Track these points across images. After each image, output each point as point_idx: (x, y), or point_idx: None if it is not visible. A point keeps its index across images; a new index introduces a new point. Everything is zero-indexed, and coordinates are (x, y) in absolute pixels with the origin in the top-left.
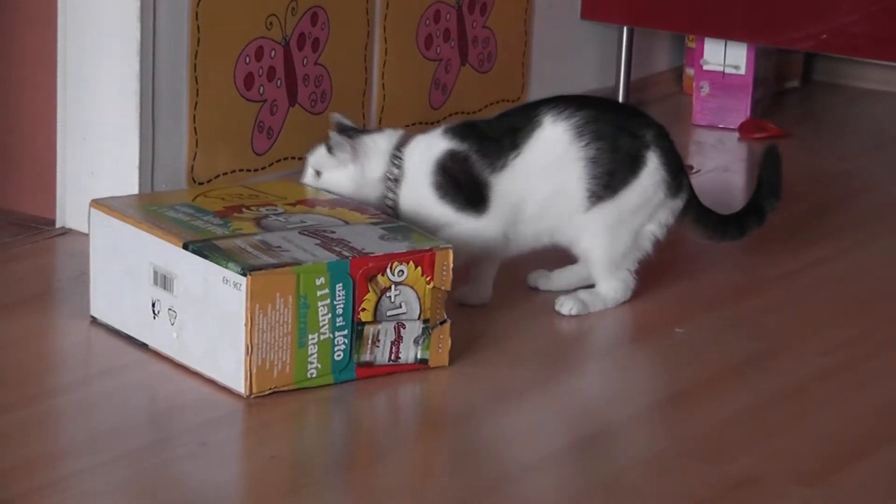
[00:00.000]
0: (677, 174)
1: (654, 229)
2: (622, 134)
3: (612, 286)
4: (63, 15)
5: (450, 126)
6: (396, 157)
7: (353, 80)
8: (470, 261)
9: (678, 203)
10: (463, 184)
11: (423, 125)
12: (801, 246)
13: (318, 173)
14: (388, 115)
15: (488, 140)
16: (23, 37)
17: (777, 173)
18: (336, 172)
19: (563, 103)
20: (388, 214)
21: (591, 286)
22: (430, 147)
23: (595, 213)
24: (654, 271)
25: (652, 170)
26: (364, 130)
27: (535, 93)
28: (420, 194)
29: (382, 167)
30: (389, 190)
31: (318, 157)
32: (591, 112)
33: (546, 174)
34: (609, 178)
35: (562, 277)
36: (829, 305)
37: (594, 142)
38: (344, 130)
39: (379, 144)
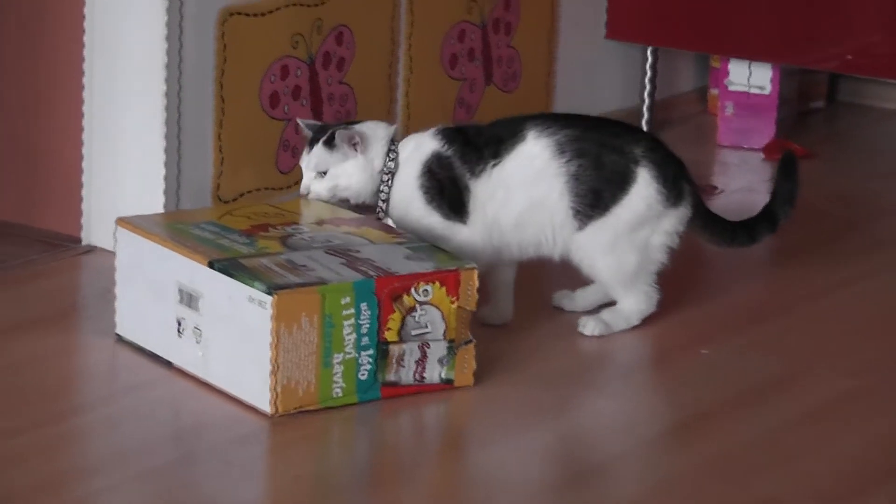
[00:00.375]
0: (675, 183)
1: (663, 240)
2: (607, 151)
3: (631, 301)
4: (90, 35)
5: (441, 128)
6: (392, 150)
7: (377, 98)
8: (485, 279)
9: (684, 211)
10: (446, 188)
11: None
12: (825, 267)
13: (322, 174)
14: (413, 133)
15: (472, 146)
16: (50, 56)
17: (793, 181)
18: (344, 165)
19: (550, 120)
20: (381, 210)
21: (614, 303)
22: (419, 146)
23: (589, 232)
24: (677, 292)
25: (642, 185)
26: (346, 123)
27: (560, 112)
28: (408, 194)
29: (382, 158)
30: (384, 183)
31: (317, 157)
32: (576, 130)
33: (523, 187)
34: (595, 197)
35: (585, 297)
36: (853, 327)
37: (576, 159)
38: (322, 129)
39: (378, 133)
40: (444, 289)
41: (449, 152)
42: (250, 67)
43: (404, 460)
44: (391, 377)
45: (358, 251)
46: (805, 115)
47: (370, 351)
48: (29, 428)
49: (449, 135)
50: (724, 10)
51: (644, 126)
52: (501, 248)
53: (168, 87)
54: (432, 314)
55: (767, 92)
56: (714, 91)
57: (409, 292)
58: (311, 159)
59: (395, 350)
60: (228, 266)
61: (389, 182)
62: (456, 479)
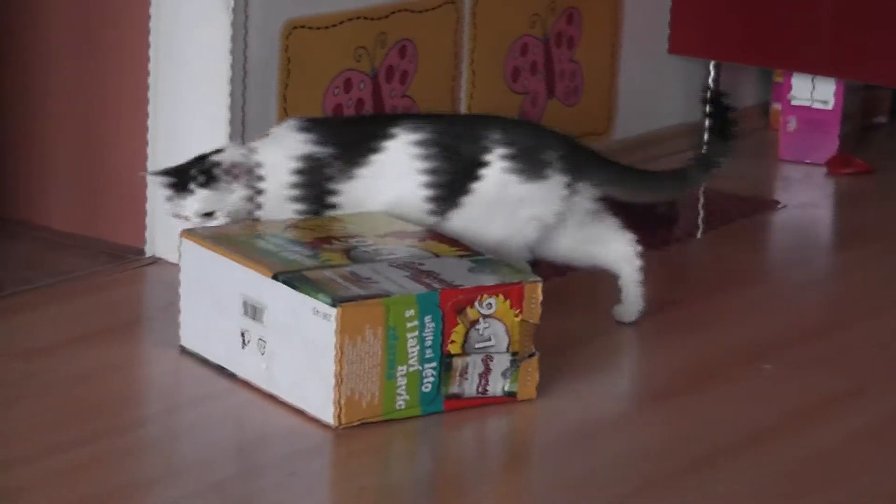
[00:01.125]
0: (534, 158)
1: (537, 213)
2: (462, 142)
3: None
4: (155, 47)
5: (303, 122)
6: (254, 167)
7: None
8: None
9: (556, 181)
10: (318, 189)
11: None
12: (886, 283)
13: (210, 215)
14: None
15: (339, 143)
16: (114, 69)
17: (724, 117)
18: (230, 198)
19: (414, 119)
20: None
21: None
22: (287, 149)
23: (455, 219)
24: (738, 308)
25: (493, 168)
26: (197, 160)
27: (622, 127)
28: (281, 201)
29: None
30: (255, 200)
31: (198, 202)
32: (438, 126)
33: (391, 184)
34: (450, 188)
35: (625, 303)
36: None
37: (436, 154)
38: (179, 173)
39: (241, 153)
40: (508, 302)
41: (319, 152)
42: (314, 80)
43: (467, 473)
44: (454, 390)
45: (422, 264)
46: (868, 130)
47: (434, 363)
48: (93, 439)
49: (314, 131)
50: (787, 24)
51: (706, 141)
52: None
53: (232, 100)
54: (496, 327)
55: (830, 107)
56: (777, 106)
57: (472, 305)
58: (194, 206)
59: (458, 363)
60: (293, 278)
61: (260, 195)
62: (519, 493)
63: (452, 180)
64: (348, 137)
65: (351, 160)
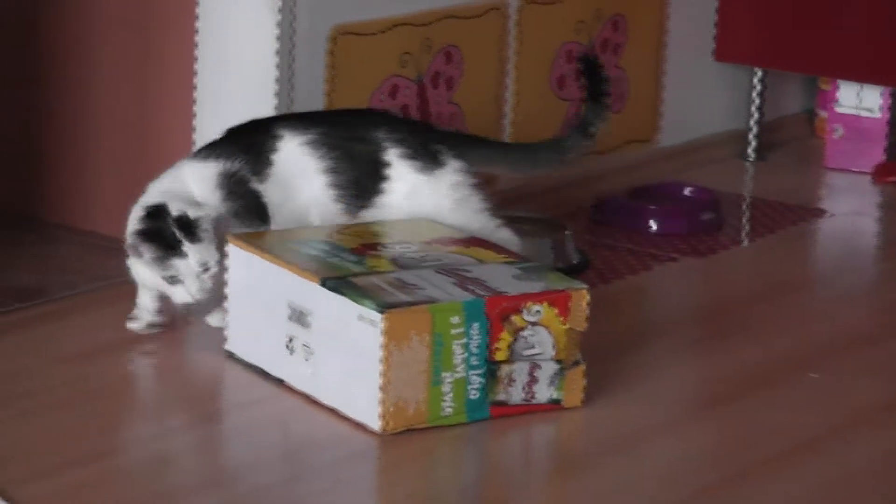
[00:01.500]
0: (427, 150)
1: (448, 201)
2: (354, 142)
3: None
4: (202, 53)
5: (202, 150)
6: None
7: (485, 118)
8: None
9: (452, 167)
10: (249, 200)
11: None
12: None
13: (203, 268)
14: None
15: (245, 154)
16: (160, 74)
17: (598, 81)
18: (214, 247)
19: (296, 119)
20: None
21: None
22: (203, 178)
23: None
24: (788, 315)
25: (397, 167)
26: (156, 222)
27: (666, 133)
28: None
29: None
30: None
31: (194, 256)
32: (322, 126)
33: (293, 186)
34: (358, 186)
35: None
36: None
37: (329, 153)
38: (159, 234)
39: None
40: (555, 309)
41: (228, 168)
42: (360, 86)
43: (513, 481)
44: (500, 397)
45: (468, 270)
46: None
47: (480, 370)
48: (137, 444)
49: (209, 153)
50: (833, 32)
51: (751, 148)
52: None
53: (278, 105)
54: (542, 334)
55: (877, 115)
56: (822, 114)
57: (519, 312)
58: (192, 260)
59: (504, 370)
60: (339, 284)
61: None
62: (565, 501)
63: (357, 178)
64: (243, 148)
65: (257, 168)
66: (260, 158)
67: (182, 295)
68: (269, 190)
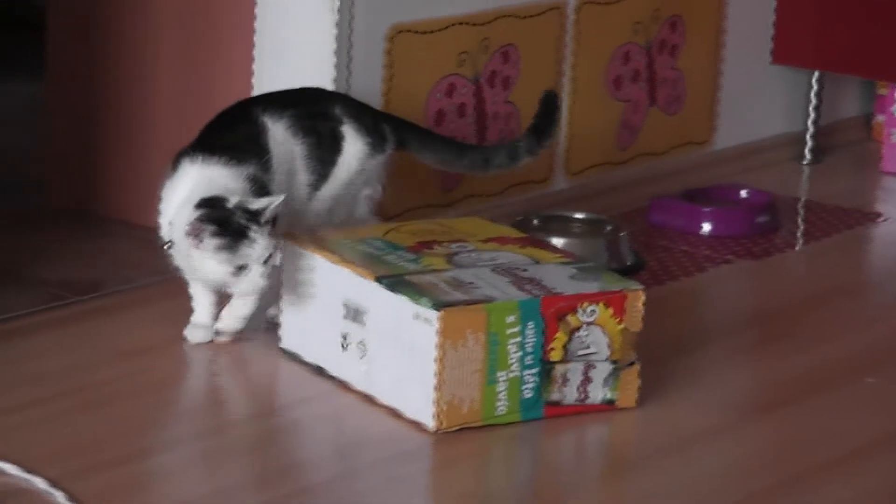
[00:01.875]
0: (378, 130)
1: (369, 192)
2: (319, 120)
3: None
4: (259, 51)
5: (194, 152)
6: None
7: None
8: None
9: (387, 154)
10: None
11: (609, 166)
12: None
13: (268, 259)
14: (576, 154)
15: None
16: (217, 73)
17: (549, 120)
18: (274, 239)
19: (268, 103)
20: None
21: None
22: (235, 178)
23: (318, 198)
24: (843, 319)
25: (350, 143)
26: (214, 200)
27: (723, 136)
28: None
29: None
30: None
31: (262, 244)
32: (295, 108)
33: (287, 171)
34: (322, 166)
35: None
36: None
37: (306, 136)
38: (228, 221)
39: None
40: (610, 309)
41: (252, 169)
42: (417, 85)
43: (566, 481)
44: (554, 396)
45: (524, 270)
46: None
47: (534, 370)
48: (191, 440)
49: (229, 152)
50: (892, 36)
51: (808, 152)
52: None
53: None
54: (597, 335)
55: None
56: (880, 118)
57: (574, 312)
58: (259, 248)
59: (559, 369)
60: (395, 282)
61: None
62: (618, 502)
63: (322, 158)
64: (240, 141)
65: (263, 160)
66: (263, 151)
67: (250, 283)
68: (278, 178)
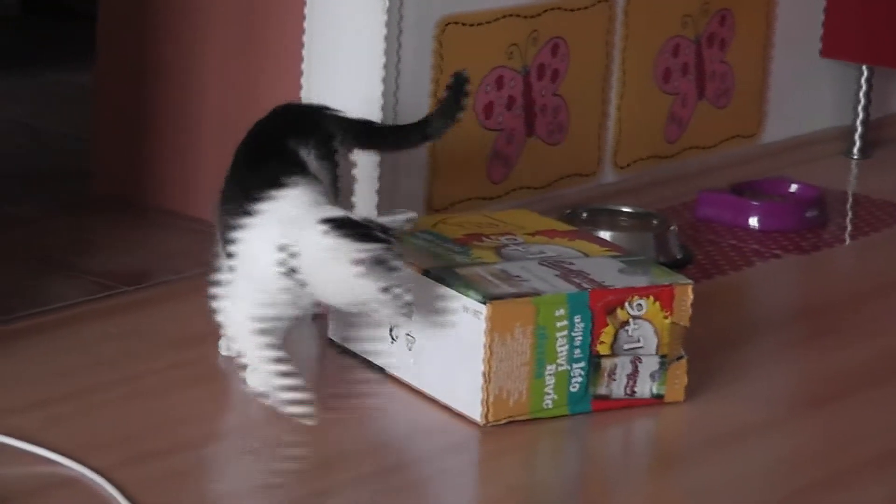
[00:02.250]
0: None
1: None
2: (327, 141)
3: None
4: (309, 44)
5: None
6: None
7: (590, 111)
8: None
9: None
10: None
11: (657, 159)
12: None
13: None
14: (624, 147)
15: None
16: (268, 66)
17: (456, 99)
18: None
19: (287, 130)
20: None
21: None
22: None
23: None
24: (892, 314)
25: (341, 159)
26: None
27: (771, 130)
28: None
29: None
30: None
31: (402, 272)
32: (310, 136)
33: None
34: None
35: None
36: None
37: (328, 160)
38: (372, 235)
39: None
40: (658, 304)
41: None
42: None
43: (614, 474)
44: (602, 390)
45: (572, 263)
46: None
47: (582, 363)
48: (239, 431)
49: (300, 181)
50: None
51: (857, 146)
52: None
53: (385, 95)
54: (645, 329)
55: None
56: None
57: (622, 306)
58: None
59: (606, 363)
60: (444, 274)
61: None
62: (665, 496)
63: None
64: (305, 171)
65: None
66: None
67: (403, 299)
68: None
